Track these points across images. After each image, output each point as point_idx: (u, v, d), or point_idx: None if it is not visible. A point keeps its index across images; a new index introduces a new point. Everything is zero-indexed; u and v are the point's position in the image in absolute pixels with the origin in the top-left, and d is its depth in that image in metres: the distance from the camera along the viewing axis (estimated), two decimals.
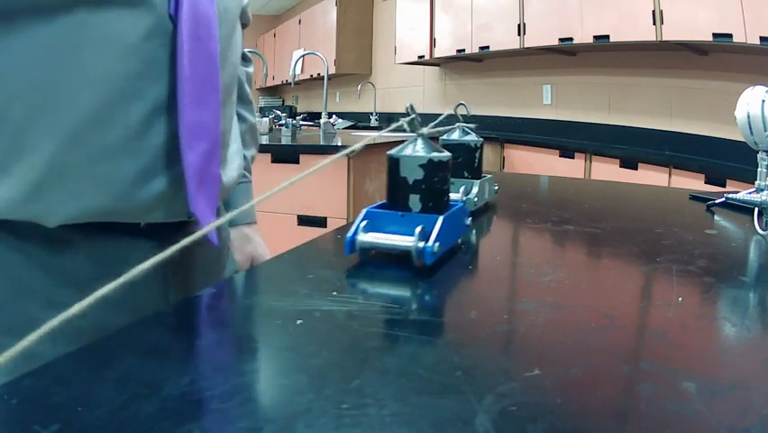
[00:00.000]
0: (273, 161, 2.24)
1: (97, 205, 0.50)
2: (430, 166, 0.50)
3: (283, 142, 2.54)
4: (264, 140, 2.71)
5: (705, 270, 0.53)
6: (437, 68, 4.63)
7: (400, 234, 0.50)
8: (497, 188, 0.85)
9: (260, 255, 0.87)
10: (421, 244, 0.48)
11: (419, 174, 0.50)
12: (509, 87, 3.94)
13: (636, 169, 2.53)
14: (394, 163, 0.51)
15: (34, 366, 0.30)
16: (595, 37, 2.80)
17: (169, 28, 0.52)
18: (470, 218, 0.59)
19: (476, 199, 0.74)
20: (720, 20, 2.17)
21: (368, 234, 0.50)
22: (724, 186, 2.05)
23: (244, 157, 0.82)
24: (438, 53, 4.12)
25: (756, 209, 0.77)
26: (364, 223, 0.51)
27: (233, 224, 0.85)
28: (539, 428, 0.26)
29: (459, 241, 0.58)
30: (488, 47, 3.59)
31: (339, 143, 2.46)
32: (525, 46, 3.28)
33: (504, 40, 3.44)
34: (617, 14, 2.67)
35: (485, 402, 0.28)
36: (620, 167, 2.62)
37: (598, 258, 0.62)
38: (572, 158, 2.91)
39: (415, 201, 0.51)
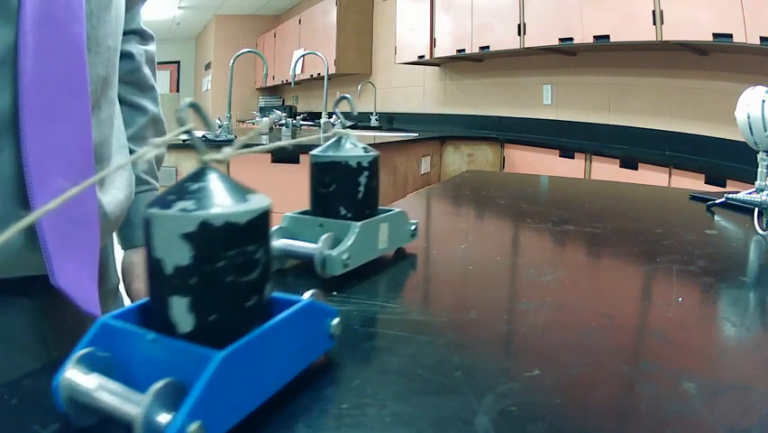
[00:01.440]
0: (273, 161, 2.24)
1: None
2: (208, 236, 0.24)
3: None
4: (264, 140, 2.71)
5: (705, 270, 0.53)
6: (437, 68, 4.63)
7: (146, 378, 0.24)
8: (414, 227, 0.56)
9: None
10: (163, 420, 0.22)
11: (185, 254, 0.24)
12: (509, 87, 3.94)
13: (636, 169, 2.53)
14: (147, 230, 0.25)
15: None
16: (595, 37, 2.80)
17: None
18: (336, 319, 0.31)
19: (346, 258, 0.45)
20: (720, 20, 2.17)
21: (90, 377, 0.24)
22: (724, 186, 2.05)
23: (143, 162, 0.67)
24: (438, 53, 4.11)
25: (756, 209, 0.77)
26: (85, 352, 0.25)
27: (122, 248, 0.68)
28: (539, 428, 0.26)
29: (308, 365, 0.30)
30: (488, 47, 3.59)
31: None
32: (526, 46, 3.27)
33: (504, 40, 3.43)
34: (617, 14, 2.67)
35: (485, 402, 0.28)
36: (620, 167, 2.62)
37: (598, 258, 0.62)
38: (572, 158, 2.91)
39: (180, 312, 0.25)
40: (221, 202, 0.25)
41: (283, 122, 3.23)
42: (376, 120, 4.89)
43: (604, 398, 0.30)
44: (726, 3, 2.13)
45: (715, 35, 2.19)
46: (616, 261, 0.60)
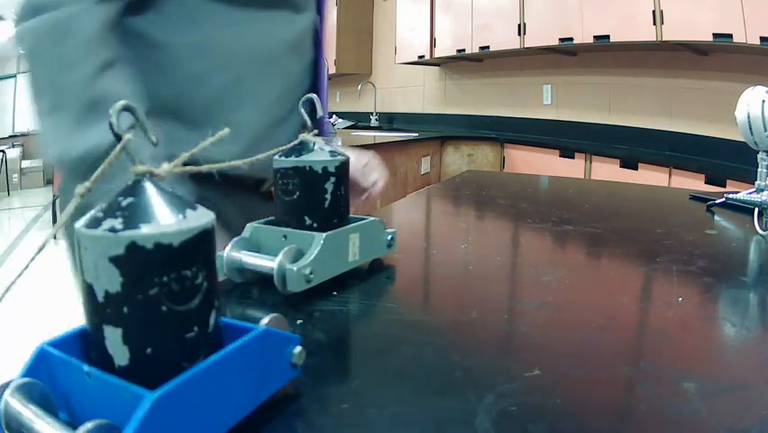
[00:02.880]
0: None
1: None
2: (138, 260, 0.21)
3: None
4: None
5: (705, 270, 0.53)
6: (437, 68, 4.63)
7: (83, 413, 0.23)
8: (391, 237, 0.53)
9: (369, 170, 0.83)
10: None
11: (114, 280, 0.22)
12: (509, 87, 3.94)
13: (636, 169, 2.53)
14: (78, 250, 0.23)
15: None
16: (595, 37, 2.80)
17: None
18: (298, 347, 0.28)
19: (309, 272, 0.41)
20: (720, 20, 2.17)
21: (26, 410, 0.22)
22: (724, 186, 2.05)
23: None
24: (438, 53, 4.11)
25: (756, 209, 0.77)
26: (22, 382, 0.23)
27: None
28: (539, 428, 0.26)
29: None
30: (488, 47, 3.59)
31: (339, 143, 2.46)
32: (526, 46, 3.27)
33: (504, 40, 3.43)
34: (617, 14, 2.67)
35: (485, 402, 0.28)
36: (620, 167, 2.62)
37: (598, 258, 0.62)
38: (572, 158, 2.91)
39: (114, 343, 0.22)
40: (153, 221, 0.22)
41: None
42: (376, 120, 4.90)
43: (604, 398, 0.30)
44: (726, 3, 2.13)
45: (715, 35, 2.19)
46: (616, 261, 0.60)
